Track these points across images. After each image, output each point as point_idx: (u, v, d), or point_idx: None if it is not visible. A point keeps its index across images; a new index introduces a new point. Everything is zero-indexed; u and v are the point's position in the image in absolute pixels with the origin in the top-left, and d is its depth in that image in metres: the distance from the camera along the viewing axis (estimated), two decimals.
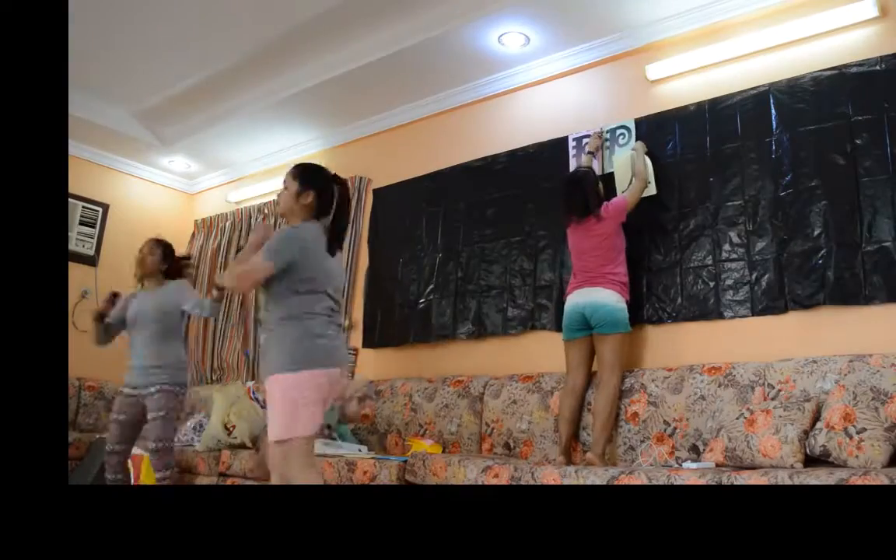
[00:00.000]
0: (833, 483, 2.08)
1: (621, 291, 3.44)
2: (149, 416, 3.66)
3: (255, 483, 3.85)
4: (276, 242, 2.57)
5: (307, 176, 2.76)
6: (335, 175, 2.86)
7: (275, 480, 2.51)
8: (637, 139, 3.81)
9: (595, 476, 2.60)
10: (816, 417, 2.60)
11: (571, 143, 4.12)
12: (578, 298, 3.48)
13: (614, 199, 3.58)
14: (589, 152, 3.93)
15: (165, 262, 3.92)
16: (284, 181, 2.75)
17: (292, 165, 2.85)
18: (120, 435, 3.70)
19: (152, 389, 3.65)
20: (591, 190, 3.59)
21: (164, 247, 3.96)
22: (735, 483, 2.29)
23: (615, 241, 3.51)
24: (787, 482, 2.18)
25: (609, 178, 3.83)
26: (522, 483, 2.77)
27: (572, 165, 4.07)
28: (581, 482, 2.62)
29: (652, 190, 3.67)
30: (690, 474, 2.44)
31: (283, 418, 2.46)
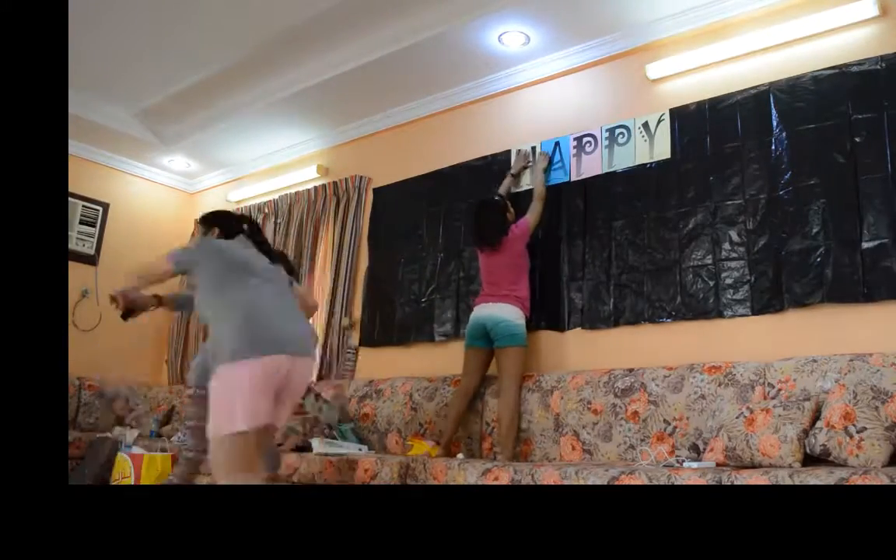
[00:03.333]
0: (834, 482, 2.08)
1: (522, 307, 3.74)
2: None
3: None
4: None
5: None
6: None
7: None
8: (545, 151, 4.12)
9: (595, 476, 2.60)
10: (816, 416, 2.60)
11: (572, 143, 4.12)
12: (482, 312, 3.77)
13: (519, 222, 3.85)
14: (512, 174, 4.20)
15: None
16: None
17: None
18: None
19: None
20: (497, 220, 3.85)
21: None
22: (735, 482, 2.29)
23: (519, 261, 3.81)
24: (788, 481, 2.17)
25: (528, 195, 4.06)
26: (522, 484, 2.77)
27: (573, 165, 4.07)
28: (581, 482, 2.61)
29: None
30: (691, 474, 2.43)
31: (220, 413, 2.46)
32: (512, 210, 3.95)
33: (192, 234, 6.51)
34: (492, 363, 3.83)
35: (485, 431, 3.85)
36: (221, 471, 2.43)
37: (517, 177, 4.21)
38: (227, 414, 2.41)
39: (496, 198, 4.01)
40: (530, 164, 4.20)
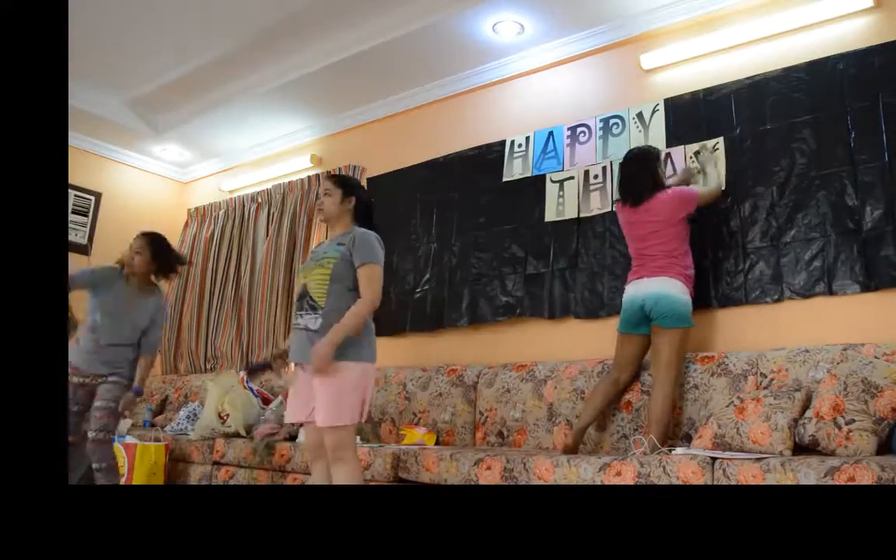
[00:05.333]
0: (825, 469, 2.10)
1: (686, 283, 3.13)
2: (98, 404, 3.50)
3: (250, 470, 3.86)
4: (371, 244, 2.84)
5: (350, 184, 3.03)
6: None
7: (328, 461, 2.70)
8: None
9: (587, 463, 2.61)
10: (807, 406, 2.62)
11: (566, 133, 4.12)
12: (637, 289, 3.19)
13: (684, 189, 3.29)
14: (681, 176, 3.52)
15: (156, 262, 3.74)
16: (326, 188, 2.96)
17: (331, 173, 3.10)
18: (76, 427, 3.54)
19: (110, 378, 3.55)
20: (648, 171, 3.26)
21: (153, 246, 3.74)
22: (727, 470, 2.30)
23: (677, 230, 3.18)
24: (780, 470, 2.19)
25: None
26: (514, 474, 2.79)
27: (567, 155, 4.07)
28: (574, 470, 2.63)
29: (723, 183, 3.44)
30: (682, 457, 2.45)
31: (353, 404, 2.68)
32: (664, 169, 3.41)
33: (186, 225, 6.50)
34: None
35: (477, 421, 3.86)
36: (350, 452, 2.69)
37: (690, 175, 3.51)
38: (363, 405, 2.73)
39: (649, 147, 3.43)
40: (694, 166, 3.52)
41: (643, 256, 3.22)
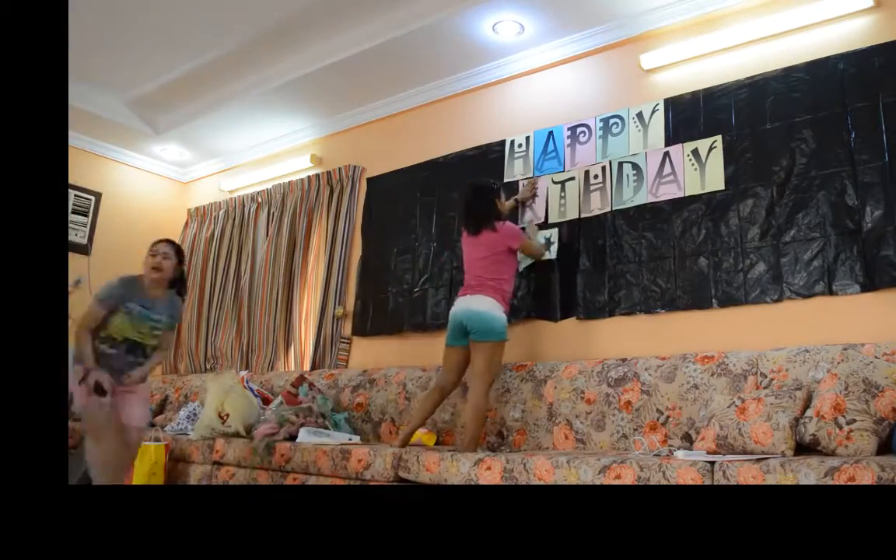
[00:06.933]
0: (825, 469, 2.10)
1: (501, 302, 3.51)
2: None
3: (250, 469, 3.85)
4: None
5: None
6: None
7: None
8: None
9: (586, 465, 2.61)
10: (807, 405, 2.61)
11: (566, 133, 4.12)
12: (459, 306, 3.56)
13: (511, 227, 3.66)
14: (517, 200, 4.05)
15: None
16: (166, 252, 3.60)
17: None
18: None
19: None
20: (488, 205, 3.65)
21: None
22: (727, 471, 2.30)
23: (503, 258, 3.58)
24: (780, 470, 2.19)
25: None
26: (514, 474, 2.78)
27: (567, 155, 4.07)
28: (574, 471, 2.63)
29: (552, 255, 3.91)
30: (682, 462, 2.45)
31: None
32: (504, 203, 3.80)
33: (185, 224, 6.50)
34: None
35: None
36: None
37: (522, 205, 4.06)
38: None
39: (492, 183, 3.84)
40: (537, 193, 4.07)
41: (471, 277, 3.61)
